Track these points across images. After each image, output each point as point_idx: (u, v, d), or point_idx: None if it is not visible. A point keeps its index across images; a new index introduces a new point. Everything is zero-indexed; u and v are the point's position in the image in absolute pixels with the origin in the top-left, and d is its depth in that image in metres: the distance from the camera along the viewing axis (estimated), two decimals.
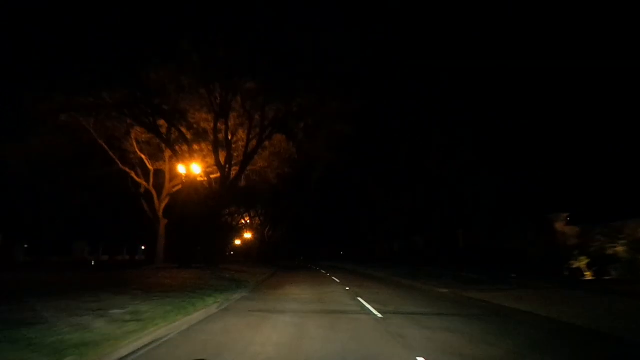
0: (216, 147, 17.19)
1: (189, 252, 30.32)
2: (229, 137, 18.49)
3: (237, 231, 49.07)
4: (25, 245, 39.99)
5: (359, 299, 10.43)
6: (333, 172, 33.07)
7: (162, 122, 17.25)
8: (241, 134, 19.08)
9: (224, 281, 13.00)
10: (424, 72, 25.33)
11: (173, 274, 14.20)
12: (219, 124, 17.39)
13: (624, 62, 17.04)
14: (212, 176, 18.97)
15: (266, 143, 20.77)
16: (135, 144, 20.15)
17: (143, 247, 48.48)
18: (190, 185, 21.22)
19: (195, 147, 17.83)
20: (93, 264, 30.95)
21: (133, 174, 21.35)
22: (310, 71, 16.80)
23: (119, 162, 20.69)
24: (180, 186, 21.11)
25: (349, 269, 30.62)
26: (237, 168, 21.04)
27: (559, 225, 15.85)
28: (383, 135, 30.69)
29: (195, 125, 17.22)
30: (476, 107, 25.04)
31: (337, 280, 17.36)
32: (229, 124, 18.36)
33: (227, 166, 18.02)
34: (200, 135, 17.76)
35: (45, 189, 25.96)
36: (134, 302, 6.76)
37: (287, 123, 19.11)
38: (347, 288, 13.74)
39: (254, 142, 18.44)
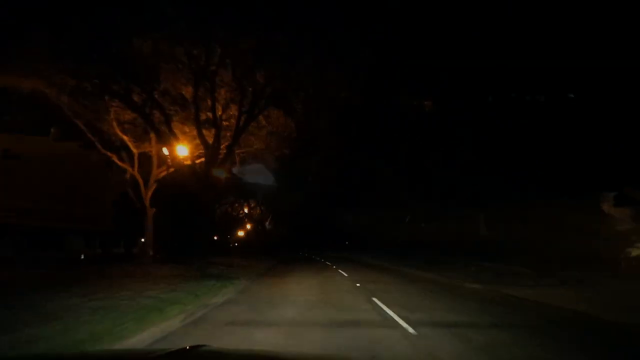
0: (198, 119, 14.82)
1: (178, 244, 28.31)
2: (218, 113, 16.12)
3: (240, 222, 47.11)
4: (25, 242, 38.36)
5: (375, 300, 8.18)
6: (333, 171, 32.59)
7: (138, 98, 14.84)
8: (233, 110, 16.72)
9: (209, 279, 10.80)
10: (424, 72, 25.70)
11: (151, 269, 12.08)
12: (207, 98, 15.07)
13: (625, 62, 17.13)
14: (198, 161, 16.64)
15: (262, 120, 18.42)
16: (115, 124, 17.90)
17: (143, 240, 46.66)
18: (179, 170, 19.08)
19: (175, 118, 15.43)
20: (82, 257, 29.04)
21: (115, 158, 19.10)
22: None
23: (99, 145, 18.53)
24: (164, 172, 18.90)
25: (356, 260, 28.46)
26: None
27: (606, 207, 13.48)
28: (383, 135, 30.69)
29: (174, 93, 14.82)
30: (476, 107, 25.73)
31: (345, 274, 15.11)
32: (217, 95, 15.98)
33: (215, 146, 15.68)
34: (185, 108, 15.35)
35: (37, 181, 24.37)
36: (40, 320, 4.51)
37: (285, 94, 16.73)
38: (358, 284, 11.50)
39: (246, 116, 16.10)
